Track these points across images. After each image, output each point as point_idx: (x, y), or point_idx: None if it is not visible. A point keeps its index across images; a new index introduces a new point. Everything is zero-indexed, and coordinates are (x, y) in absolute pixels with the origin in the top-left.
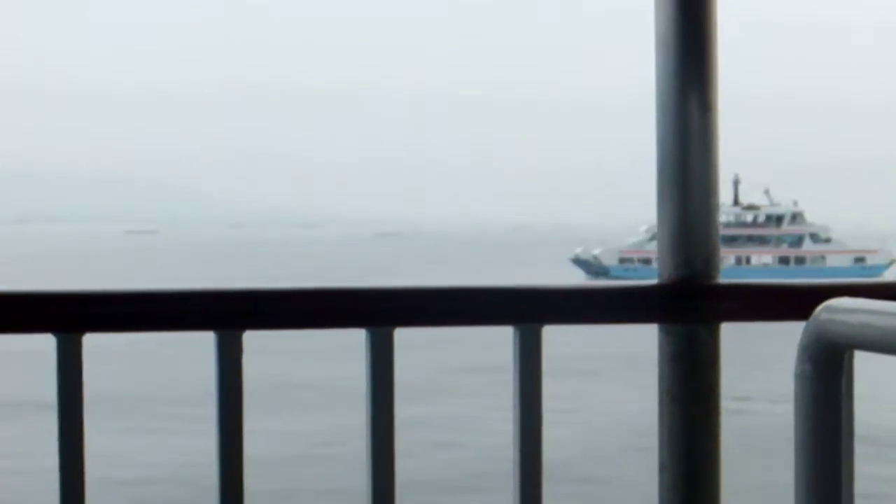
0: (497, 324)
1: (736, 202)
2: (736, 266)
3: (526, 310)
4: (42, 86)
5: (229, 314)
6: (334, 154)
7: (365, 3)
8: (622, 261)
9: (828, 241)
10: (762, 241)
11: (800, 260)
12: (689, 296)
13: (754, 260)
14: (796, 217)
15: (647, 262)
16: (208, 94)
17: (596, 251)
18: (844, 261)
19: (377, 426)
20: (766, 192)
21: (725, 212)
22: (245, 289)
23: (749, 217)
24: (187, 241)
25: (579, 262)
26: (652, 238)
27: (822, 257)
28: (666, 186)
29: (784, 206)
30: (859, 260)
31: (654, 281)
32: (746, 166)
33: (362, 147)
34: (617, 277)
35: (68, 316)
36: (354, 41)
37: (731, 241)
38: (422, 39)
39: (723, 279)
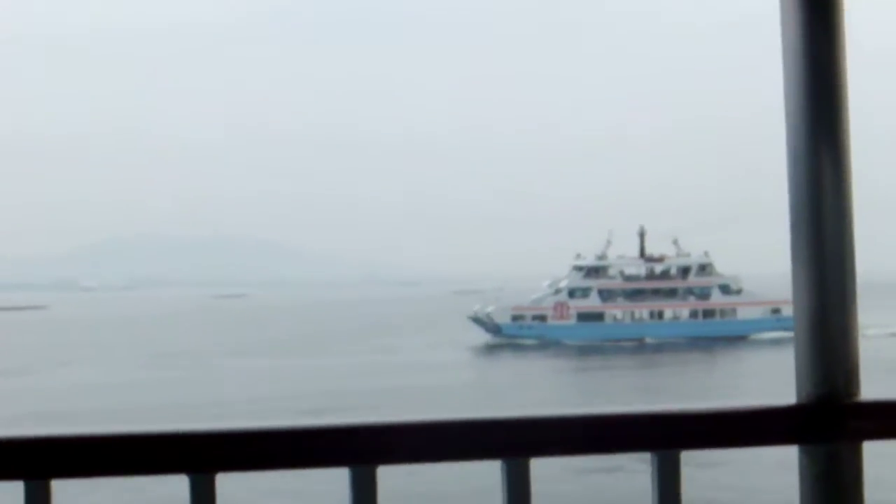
0: (635, 450)
1: (642, 254)
2: (650, 321)
3: (662, 435)
4: (148, 146)
5: (362, 449)
6: (426, 207)
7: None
8: (515, 318)
9: (738, 292)
10: (670, 293)
11: (709, 312)
12: (830, 415)
13: (667, 313)
14: (705, 267)
15: (541, 318)
16: (313, 150)
17: (489, 308)
18: (758, 312)
19: None
20: (675, 241)
21: (632, 264)
22: (379, 423)
23: (658, 269)
24: (271, 305)
25: (476, 319)
26: (556, 293)
27: (733, 309)
28: (803, 298)
29: (693, 257)
30: (775, 311)
31: (792, 401)
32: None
33: (457, 199)
34: (510, 336)
35: (200, 456)
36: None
37: (637, 294)
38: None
39: (864, 397)
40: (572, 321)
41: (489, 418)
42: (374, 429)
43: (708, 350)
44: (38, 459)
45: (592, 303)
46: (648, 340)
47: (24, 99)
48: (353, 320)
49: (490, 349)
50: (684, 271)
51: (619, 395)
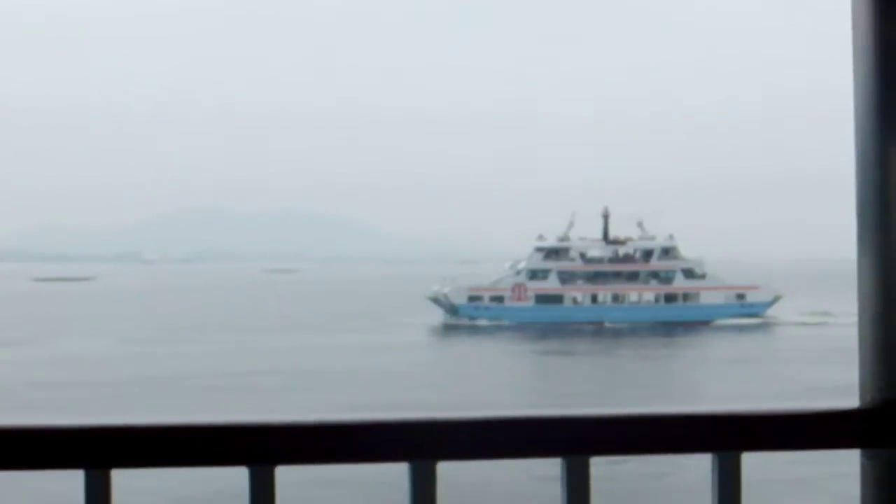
0: (697, 450)
1: (605, 236)
2: (612, 304)
3: (724, 437)
4: (225, 119)
5: (422, 444)
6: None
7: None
8: (472, 299)
9: (703, 276)
10: (631, 276)
11: (671, 297)
12: (894, 419)
13: (629, 297)
14: (669, 251)
15: (498, 299)
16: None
17: (446, 289)
18: (721, 297)
19: None
20: (640, 224)
21: (594, 246)
22: (440, 418)
23: (620, 251)
24: (319, 280)
25: (434, 299)
26: (516, 274)
27: (696, 294)
28: (869, 296)
29: (657, 240)
30: (740, 297)
31: (855, 404)
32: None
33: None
34: (466, 316)
35: (260, 449)
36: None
37: (599, 277)
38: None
39: None
40: (530, 303)
41: (551, 415)
42: (434, 424)
43: (669, 335)
44: (100, 448)
45: (551, 285)
46: (608, 325)
47: (103, 68)
48: (388, 297)
49: (447, 330)
50: (647, 254)
51: (568, 385)
